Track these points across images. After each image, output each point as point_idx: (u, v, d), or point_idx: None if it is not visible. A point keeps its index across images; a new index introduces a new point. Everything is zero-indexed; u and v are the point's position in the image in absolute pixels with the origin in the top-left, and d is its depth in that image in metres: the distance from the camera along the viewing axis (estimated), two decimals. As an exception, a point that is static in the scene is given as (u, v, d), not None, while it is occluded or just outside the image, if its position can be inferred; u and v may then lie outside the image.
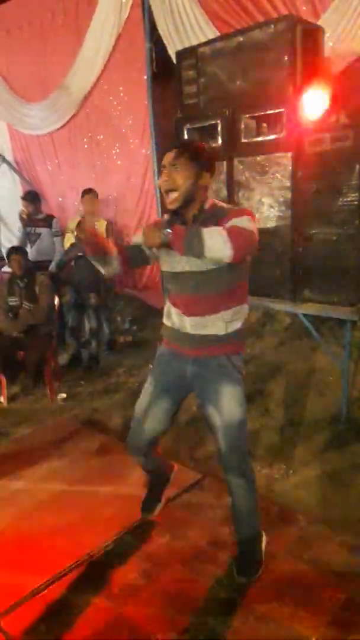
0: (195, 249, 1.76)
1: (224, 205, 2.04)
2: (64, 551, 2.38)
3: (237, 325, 2.06)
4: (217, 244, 1.75)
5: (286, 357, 4.45)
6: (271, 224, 3.35)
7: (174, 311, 2.10)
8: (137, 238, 2.06)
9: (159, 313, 2.20)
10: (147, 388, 2.21)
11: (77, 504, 2.74)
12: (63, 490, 2.87)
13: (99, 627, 1.99)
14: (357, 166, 2.97)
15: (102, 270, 2.13)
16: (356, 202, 3.00)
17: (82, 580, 2.23)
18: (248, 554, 2.21)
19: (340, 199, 3.05)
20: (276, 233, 3.36)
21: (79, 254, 4.70)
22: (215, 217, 1.90)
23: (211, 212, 1.95)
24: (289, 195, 3.26)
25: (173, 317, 2.11)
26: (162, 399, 2.17)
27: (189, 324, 2.04)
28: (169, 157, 1.90)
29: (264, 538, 2.28)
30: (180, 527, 2.50)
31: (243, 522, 2.20)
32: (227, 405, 2.03)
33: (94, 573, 2.26)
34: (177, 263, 1.98)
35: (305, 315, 3.38)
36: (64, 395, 4.17)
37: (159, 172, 1.98)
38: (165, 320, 2.18)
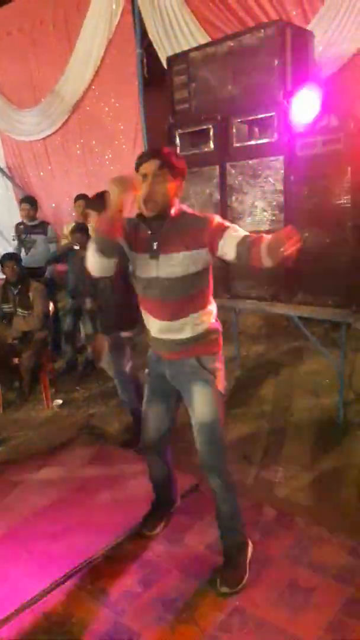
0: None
1: (189, 211, 2.03)
2: (61, 558, 2.36)
3: (205, 326, 2.07)
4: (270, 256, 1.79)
5: (281, 360, 4.46)
6: (264, 227, 3.36)
7: (147, 316, 2.15)
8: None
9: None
10: (146, 390, 2.35)
11: (74, 511, 2.73)
12: (60, 497, 2.86)
13: (97, 634, 1.98)
14: (349, 169, 2.98)
15: (97, 265, 1.99)
16: (348, 205, 3.01)
17: (80, 587, 2.21)
18: (231, 563, 2.18)
19: (333, 202, 3.06)
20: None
21: (75, 247, 4.71)
22: (188, 225, 1.94)
23: (179, 219, 1.96)
24: (281, 198, 3.28)
25: (149, 323, 2.16)
26: (156, 400, 2.30)
27: (160, 329, 2.10)
28: (151, 166, 1.89)
29: (250, 548, 2.25)
30: (178, 532, 2.49)
31: (225, 526, 2.19)
32: (199, 405, 2.09)
33: (92, 580, 2.25)
34: (149, 268, 2.00)
35: (300, 317, 3.38)
36: (60, 401, 4.16)
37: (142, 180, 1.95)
38: (146, 325, 2.22)
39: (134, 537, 2.48)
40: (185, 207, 2.04)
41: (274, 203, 3.32)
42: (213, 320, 2.12)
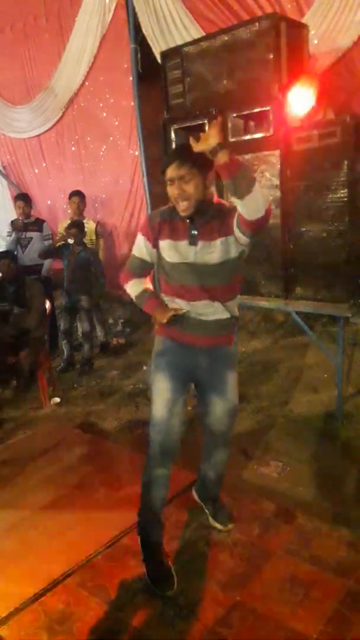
0: (248, 178, 1.78)
1: (223, 202, 2.10)
2: (61, 556, 2.36)
3: (235, 314, 2.19)
4: (261, 196, 1.81)
5: (280, 355, 4.46)
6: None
7: (179, 301, 2.12)
8: (136, 250, 2.16)
9: (151, 315, 2.20)
10: (162, 387, 2.14)
11: (73, 508, 2.72)
12: (59, 495, 2.85)
13: (98, 631, 1.98)
14: (346, 162, 2.98)
15: None
16: (345, 199, 3.01)
17: (80, 584, 2.21)
18: (221, 505, 2.53)
19: (330, 196, 3.05)
20: (266, 231, 3.35)
21: (70, 240, 4.69)
22: (223, 214, 2.00)
23: (215, 207, 2.04)
24: (278, 193, 3.27)
25: (175, 304, 2.13)
26: (179, 399, 2.15)
27: (197, 308, 2.10)
28: (173, 170, 1.94)
29: None
30: (176, 528, 2.49)
31: (220, 482, 2.49)
32: (231, 389, 2.21)
33: (92, 577, 2.24)
34: (187, 253, 2.04)
35: (297, 312, 3.38)
36: (58, 399, 4.15)
37: (166, 183, 2.01)
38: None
39: (133, 534, 2.47)
40: (222, 200, 2.10)
41: (271, 198, 3.31)
42: (237, 310, 2.22)
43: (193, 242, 2.03)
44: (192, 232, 2.03)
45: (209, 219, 2.01)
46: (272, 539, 2.37)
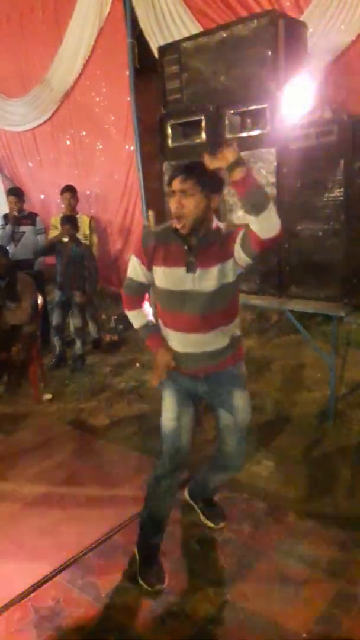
0: (263, 197, 1.77)
1: (221, 224, 2.05)
2: (51, 553, 2.35)
3: (237, 335, 2.14)
4: (273, 214, 1.79)
5: (274, 354, 4.46)
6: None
7: (172, 334, 2.08)
8: (132, 273, 2.10)
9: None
10: (169, 401, 2.14)
11: (64, 505, 2.71)
12: (49, 491, 2.83)
13: (88, 629, 1.97)
14: (342, 161, 2.96)
15: None
16: (342, 198, 2.99)
17: (70, 582, 2.20)
18: (216, 503, 2.55)
19: (326, 195, 3.04)
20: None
21: (64, 239, 4.66)
22: (221, 237, 1.97)
23: (215, 233, 1.99)
24: (274, 191, 3.25)
25: (173, 342, 2.09)
26: (186, 412, 2.13)
27: (192, 342, 2.05)
28: (177, 182, 1.90)
29: None
30: (168, 526, 2.47)
31: (215, 490, 2.51)
32: (241, 409, 2.14)
33: (82, 574, 2.23)
34: (183, 281, 1.97)
35: (292, 311, 3.37)
36: (50, 395, 4.12)
37: (167, 195, 1.98)
38: (170, 343, 2.14)
39: (125, 530, 2.46)
40: (220, 224, 2.04)
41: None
42: (239, 329, 2.17)
43: (191, 269, 1.95)
44: (190, 259, 1.95)
45: (207, 245, 1.96)
46: (263, 538, 2.37)
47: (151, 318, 2.18)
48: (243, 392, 2.16)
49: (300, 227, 3.14)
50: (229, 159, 1.76)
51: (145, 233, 2.09)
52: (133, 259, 2.09)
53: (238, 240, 1.90)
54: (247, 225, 1.86)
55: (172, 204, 1.92)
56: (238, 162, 1.75)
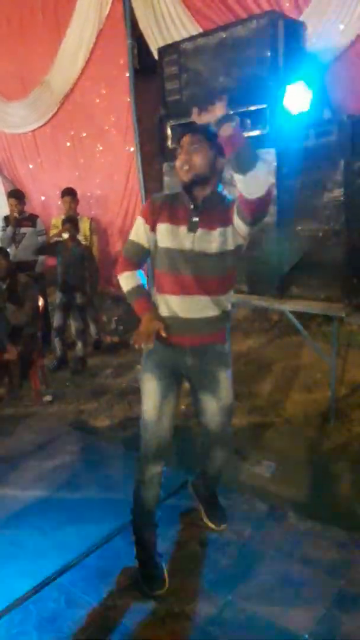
0: (251, 156, 1.77)
1: (227, 194, 2.08)
2: (52, 555, 2.34)
3: (229, 307, 2.14)
4: (264, 174, 1.81)
5: (274, 355, 4.45)
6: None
7: (167, 298, 2.07)
8: (134, 235, 2.11)
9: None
10: (150, 388, 2.14)
11: (64, 507, 2.71)
12: (50, 493, 2.83)
13: (89, 630, 1.97)
14: (342, 161, 2.96)
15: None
16: (341, 198, 3.00)
17: (71, 583, 2.19)
18: (219, 504, 2.53)
19: (326, 195, 3.04)
20: (262, 230, 3.34)
21: (64, 234, 4.66)
22: (223, 203, 2.00)
23: (218, 197, 2.02)
24: (274, 191, 3.25)
25: (167, 306, 2.07)
26: (170, 397, 2.14)
27: (186, 306, 2.04)
28: (186, 139, 1.96)
29: None
30: (168, 528, 2.47)
31: (217, 479, 2.48)
32: (224, 388, 2.15)
33: (83, 576, 2.23)
34: (183, 240, 2.00)
35: (292, 312, 3.37)
36: (50, 397, 4.12)
37: (179, 152, 2.01)
38: (165, 309, 2.11)
39: (125, 532, 2.46)
40: (225, 192, 2.07)
41: (272, 181, 3.28)
42: (230, 305, 2.17)
43: (192, 229, 1.99)
44: (193, 218, 1.99)
45: (211, 206, 1.99)
46: (264, 539, 2.37)
47: (143, 283, 2.15)
48: (227, 373, 2.17)
49: (300, 228, 3.14)
50: (218, 114, 1.78)
51: (155, 195, 2.15)
52: (138, 219, 2.11)
53: (234, 207, 1.93)
54: (237, 197, 1.89)
55: (181, 157, 1.97)
56: (227, 117, 1.77)
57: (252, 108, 3.31)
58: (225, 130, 1.77)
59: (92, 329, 5.07)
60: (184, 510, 2.59)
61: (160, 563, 2.21)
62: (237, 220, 1.94)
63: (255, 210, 1.85)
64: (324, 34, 3.61)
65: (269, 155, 3.24)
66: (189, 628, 1.95)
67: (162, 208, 2.04)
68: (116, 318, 5.53)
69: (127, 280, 2.14)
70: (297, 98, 3.19)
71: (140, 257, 2.14)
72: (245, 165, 1.76)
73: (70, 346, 4.86)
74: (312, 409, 3.55)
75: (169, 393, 2.12)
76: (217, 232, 1.98)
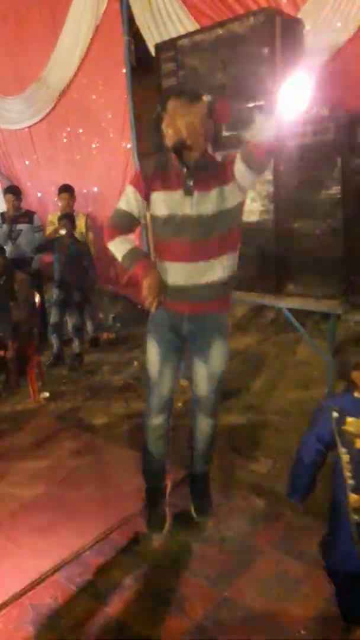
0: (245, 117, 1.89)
1: (217, 155, 2.08)
2: (49, 551, 2.34)
3: (232, 270, 2.13)
4: (265, 119, 1.88)
5: (271, 351, 4.46)
6: (254, 217, 3.33)
7: (168, 265, 2.07)
8: (124, 204, 2.09)
9: (142, 310, 2.21)
10: (153, 348, 2.23)
11: (61, 504, 2.71)
12: (47, 490, 2.83)
13: (86, 627, 1.97)
14: (339, 159, 2.97)
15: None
16: (338, 195, 3.00)
17: (68, 580, 2.20)
18: (204, 491, 2.48)
19: (323, 192, 3.05)
20: (259, 227, 3.34)
21: (62, 232, 4.66)
22: (217, 163, 2.01)
23: (212, 159, 2.03)
24: (271, 188, 3.25)
25: (169, 271, 2.07)
26: (170, 359, 2.23)
27: (187, 273, 2.04)
28: (171, 103, 1.96)
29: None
30: (169, 515, 2.46)
31: (203, 457, 2.43)
32: (216, 355, 2.18)
33: (80, 573, 2.23)
34: (182, 205, 1.99)
35: (289, 309, 3.38)
36: (47, 394, 4.11)
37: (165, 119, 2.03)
38: (165, 276, 2.13)
39: (122, 529, 2.46)
40: (216, 154, 2.08)
41: (264, 193, 3.29)
42: (236, 268, 2.16)
43: (189, 192, 1.98)
44: (188, 182, 1.97)
45: (204, 168, 1.98)
46: (261, 536, 2.38)
47: (137, 244, 2.18)
48: (223, 342, 2.19)
49: (297, 225, 3.14)
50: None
51: (144, 162, 2.16)
52: (128, 188, 2.08)
53: (238, 156, 1.93)
54: (244, 144, 1.90)
55: (166, 121, 1.98)
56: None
57: (250, 105, 3.30)
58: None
59: (89, 325, 5.07)
60: (182, 507, 2.59)
61: (164, 510, 2.39)
62: (241, 168, 1.92)
63: (266, 151, 1.88)
64: (321, 31, 3.60)
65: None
66: (186, 624, 1.95)
67: (154, 176, 2.03)
68: (113, 315, 5.53)
69: (121, 245, 2.11)
70: (294, 95, 3.17)
71: (130, 226, 2.13)
72: (246, 119, 1.85)
73: (67, 343, 4.85)
74: (309, 406, 3.55)
75: (168, 358, 2.21)
76: (214, 192, 1.97)
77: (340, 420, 1.63)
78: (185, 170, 1.98)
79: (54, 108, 5.60)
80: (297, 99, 3.20)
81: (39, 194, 6.14)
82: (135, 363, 4.53)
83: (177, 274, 2.05)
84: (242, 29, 3.32)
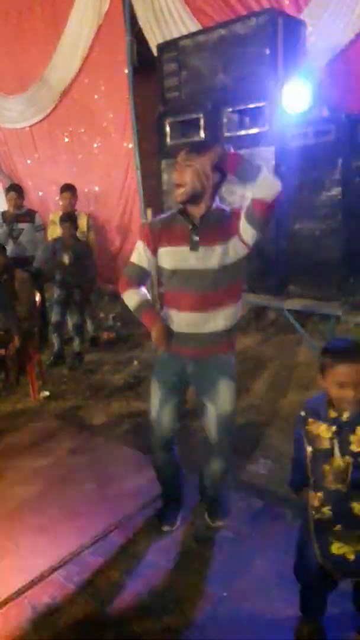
0: (252, 170, 1.87)
1: (225, 206, 2.13)
2: (48, 550, 2.34)
3: (235, 319, 2.18)
4: (271, 177, 1.90)
5: (271, 353, 4.46)
6: (254, 218, 3.34)
7: (174, 314, 2.15)
8: (135, 258, 2.19)
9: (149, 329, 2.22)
10: (155, 391, 2.28)
11: (60, 503, 2.71)
12: (46, 489, 2.83)
13: (84, 626, 1.97)
14: (340, 160, 2.97)
15: None
16: (339, 197, 3.01)
17: (66, 579, 2.20)
18: (218, 502, 2.49)
19: (323, 194, 3.05)
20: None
21: (64, 260, 4.67)
22: (222, 217, 2.06)
23: (216, 212, 2.07)
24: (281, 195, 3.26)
25: (174, 319, 2.15)
26: (171, 399, 2.26)
27: (191, 322, 2.11)
28: (182, 155, 2.01)
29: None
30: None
31: (216, 489, 2.44)
32: (224, 396, 2.19)
33: (79, 572, 2.23)
34: (187, 260, 2.05)
35: (289, 310, 3.38)
36: (47, 393, 4.12)
37: (173, 169, 2.08)
38: (170, 321, 2.21)
39: (121, 528, 2.47)
40: (224, 206, 2.13)
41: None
42: (239, 315, 2.20)
43: (194, 247, 2.05)
44: (194, 237, 2.04)
45: (210, 223, 2.04)
46: (260, 536, 2.37)
47: (148, 297, 2.24)
48: (229, 382, 2.20)
49: (298, 226, 3.15)
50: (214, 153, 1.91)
51: (152, 220, 2.24)
52: (139, 243, 2.18)
53: (242, 214, 1.98)
54: (249, 200, 1.94)
55: (174, 175, 2.04)
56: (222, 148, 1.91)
57: (251, 106, 3.32)
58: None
59: (89, 325, 5.07)
60: (181, 508, 2.59)
61: (177, 506, 2.48)
62: (245, 226, 1.98)
63: (267, 209, 1.92)
64: (323, 33, 3.61)
65: (268, 153, 3.25)
66: (184, 624, 1.95)
67: (161, 232, 2.12)
68: (114, 315, 5.53)
69: (132, 297, 2.22)
70: (296, 96, 3.19)
71: (141, 278, 2.23)
72: (253, 172, 1.86)
73: (68, 342, 4.85)
74: (309, 407, 3.55)
75: (168, 401, 2.25)
76: (219, 247, 2.03)
77: (305, 420, 1.65)
78: (190, 226, 2.06)
79: (55, 108, 5.62)
80: (299, 100, 3.22)
81: (40, 193, 6.15)
82: (135, 362, 4.53)
83: (182, 322, 2.13)
84: (245, 30, 3.33)
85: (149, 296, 2.24)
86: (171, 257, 2.09)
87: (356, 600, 1.80)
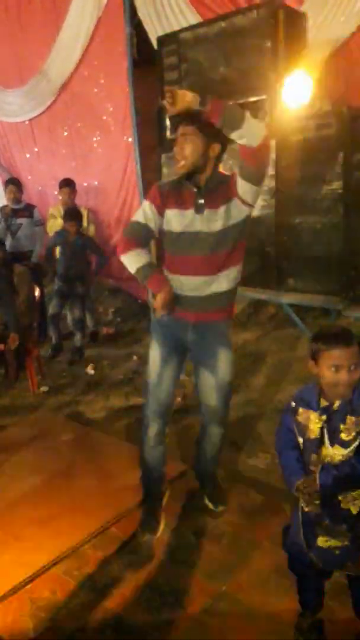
0: (237, 111, 1.88)
1: (226, 172, 2.17)
2: (48, 544, 2.34)
3: (237, 281, 2.23)
4: (256, 123, 1.91)
5: (270, 347, 4.46)
6: (255, 212, 3.30)
7: (177, 278, 2.17)
8: (140, 217, 2.17)
9: (142, 305, 2.22)
10: (153, 355, 2.29)
11: (60, 497, 2.71)
12: (45, 483, 2.83)
13: (84, 620, 1.97)
14: (341, 154, 2.96)
15: None
16: (340, 191, 2.99)
17: (66, 573, 2.20)
18: (217, 485, 2.54)
19: (324, 187, 3.04)
20: (260, 222, 3.34)
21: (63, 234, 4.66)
22: (223, 181, 2.09)
23: (218, 177, 2.12)
24: (272, 183, 3.25)
25: (177, 282, 2.17)
26: (172, 363, 2.28)
27: (193, 285, 2.14)
28: (181, 127, 2.06)
29: None
30: (164, 518, 2.47)
31: (213, 460, 2.49)
32: (223, 364, 2.23)
33: (79, 566, 2.23)
34: (193, 223, 2.09)
35: (289, 304, 3.37)
36: (46, 387, 4.11)
37: (180, 153, 2.09)
38: (174, 286, 2.21)
39: (121, 522, 2.46)
40: (225, 172, 2.17)
41: (265, 188, 3.28)
42: (239, 278, 2.24)
43: (199, 210, 2.08)
44: (199, 200, 2.08)
45: (214, 188, 2.09)
46: (259, 530, 2.38)
47: (153, 260, 2.27)
48: (228, 352, 2.24)
49: (298, 220, 3.14)
50: (187, 99, 1.87)
51: (161, 182, 2.27)
52: (145, 203, 2.18)
53: (237, 172, 2.02)
54: (239, 152, 1.96)
55: (176, 148, 2.07)
56: (199, 99, 1.87)
57: (252, 99, 3.30)
58: (207, 107, 1.87)
59: (89, 320, 5.06)
60: (180, 501, 2.59)
61: (159, 515, 2.40)
62: (241, 183, 2.01)
63: (259, 157, 1.94)
64: (324, 26, 3.59)
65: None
66: (183, 618, 1.95)
67: (169, 194, 2.14)
68: (113, 310, 5.52)
69: (137, 258, 2.18)
70: (297, 89, 3.17)
71: (145, 237, 2.20)
72: (236, 120, 1.86)
73: (68, 337, 4.84)
74: (308, 402, 3.55)
75: (169, 361, 2.26)
76: (221, 210, 2.07)
77: (295, 410, 1.66)
78: (195, 190, 2.10)
79: (54, 101, 5.58)
80: (300, 93, 3.20)
81: (39, 188, 6.13)
82: (135, 357, 4.53)
83: (185, 285, 2.16)
84: (245, 22, 3.31)
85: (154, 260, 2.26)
86: (179, 220, 2.12)
87: (353, 594, 1.80)
